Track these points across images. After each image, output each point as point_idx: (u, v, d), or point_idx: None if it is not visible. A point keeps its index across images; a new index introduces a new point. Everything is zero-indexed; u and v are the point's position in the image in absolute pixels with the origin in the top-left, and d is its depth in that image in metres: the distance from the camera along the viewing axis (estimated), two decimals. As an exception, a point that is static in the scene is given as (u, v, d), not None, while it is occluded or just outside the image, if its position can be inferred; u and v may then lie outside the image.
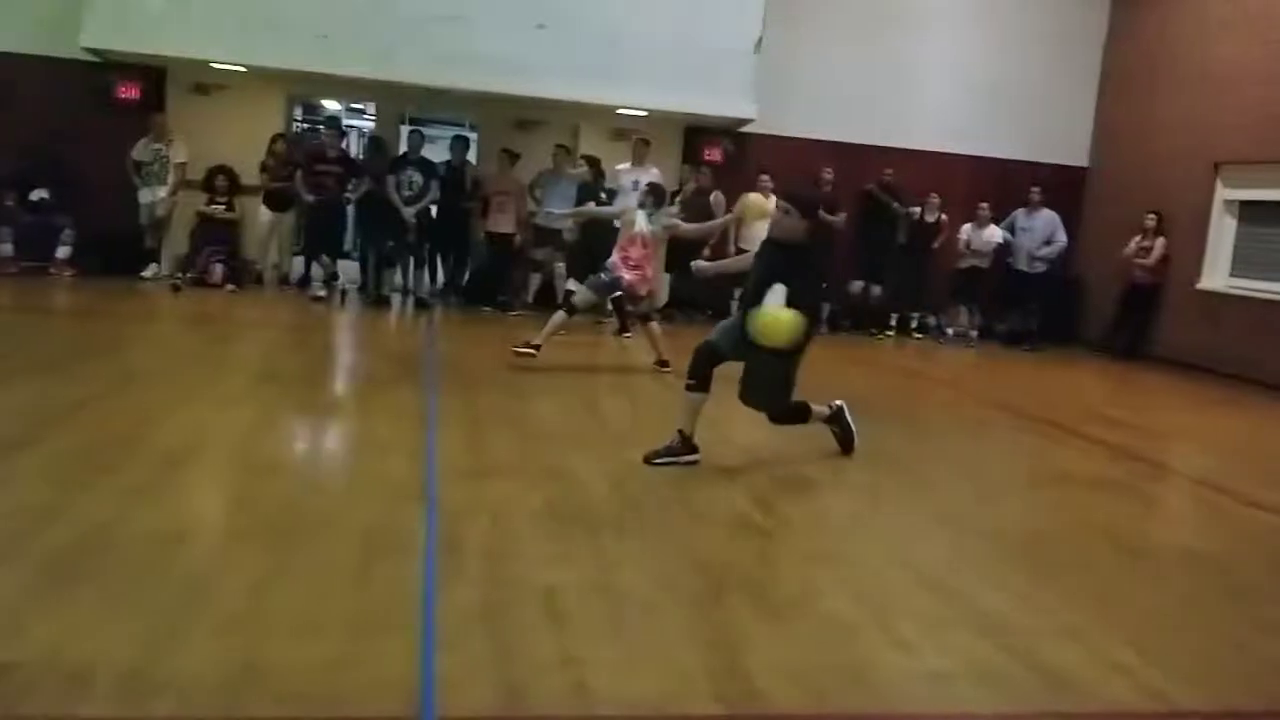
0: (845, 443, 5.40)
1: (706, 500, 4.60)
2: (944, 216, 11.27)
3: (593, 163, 8.71)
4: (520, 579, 3.39)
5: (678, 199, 9.80)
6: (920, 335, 11.69)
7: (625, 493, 4.58)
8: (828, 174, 11.06)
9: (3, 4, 9.92)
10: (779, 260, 4.83)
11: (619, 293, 7.54)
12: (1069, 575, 4.01)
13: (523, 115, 10.97)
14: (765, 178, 10.17)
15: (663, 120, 10.87)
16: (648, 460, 4.90)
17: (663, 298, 10.07)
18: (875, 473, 5.30)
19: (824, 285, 5.98)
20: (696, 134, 11.33)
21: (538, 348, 6.94)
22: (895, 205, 11.23)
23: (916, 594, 3.63)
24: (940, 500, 5.01)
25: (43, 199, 9.79)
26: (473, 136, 11.54)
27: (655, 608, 3.30)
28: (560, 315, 7.17)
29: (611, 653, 2.93)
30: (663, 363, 7.26)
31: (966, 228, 11.34)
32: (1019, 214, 11.50)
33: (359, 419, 5.69)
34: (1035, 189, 11.44)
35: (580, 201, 7.57)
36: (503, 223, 10.01)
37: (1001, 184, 11.67)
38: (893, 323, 11.57)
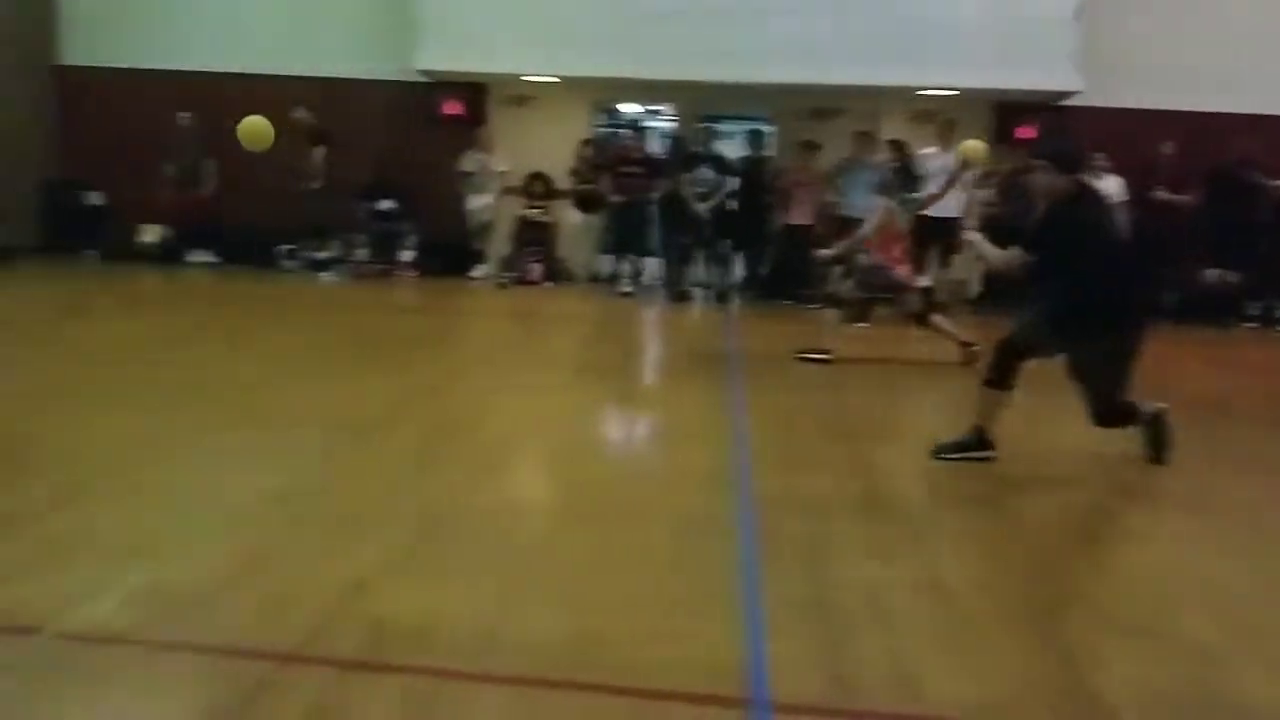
0: (1159, 449, 4.70)
1: (1028, 504, 4.30)
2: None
3: (899, 148, 8.37)
4: (840, 573, 3.34)
5: (990, 182, 9.26)
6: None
7: (939, 491, 4.39)
8: (1168, 148, 9.96)
9: (351, 36, 11.23)
10: (1049, 241, 4.41)
11: (887, 290, 7.10)
12: None
13: (819, 104, 10.84)
14: (1100, 156, 9.27)
15: (970, 99, 10.32)
16: (936, 454, 4.65)
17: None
18: (1240, 484, 4.71)
19: (1141, 266, 5.34)
20: (1008, 111, 10.63)
21: (828, 352, 6.81)
22: (1263, 180, 9.75)
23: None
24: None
25: (388, 208, 10.97)
26: (771, 129, 11.54)
27: (983, 612, 3.13)
28: (834, 313, 7.05)
29: (940, 654, 2.81)
30: (967, 349, 6.84)
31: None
32: None
33: (667, 409, 5.87)
34: None
35: (885, 190, 7.30)
36: (801, 215, 9.95)
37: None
38: (1254, 313, 10.12)
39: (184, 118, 10.71)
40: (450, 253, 10.91)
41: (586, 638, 2.81)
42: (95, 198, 11.44)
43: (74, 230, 11.23)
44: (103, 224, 11.35)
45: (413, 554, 3.38)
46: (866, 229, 6.92)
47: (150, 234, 11.16)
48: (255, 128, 5.66)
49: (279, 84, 10.90)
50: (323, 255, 10.86)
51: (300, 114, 10.41)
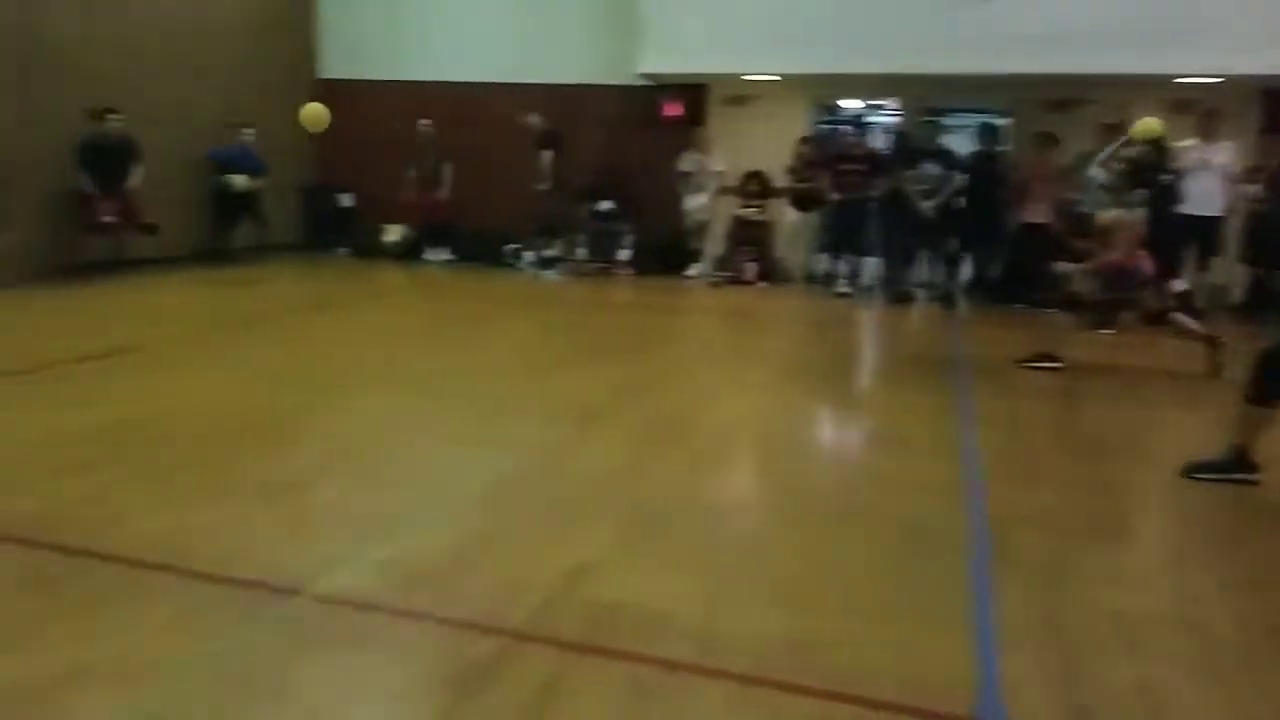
0: None
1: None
2: None
3: (1153, 141, 7.66)
4: (1079, 596, 3.11)
5: (1258, 177, 8.39)
6: None
7: (1191, 516, 4.02)
8: None
9: (580, 45, 11.62)
10: None
11: (1134, 289, 6.51)
12: None
13: (1059, 94, 10.18)
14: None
15: (1235, 85, 9.37)
16: (1189, 473, 4.23)
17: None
18: None
19: None
20: (1278, 100, 9.59)
21: (1058, 360, 6.36)
22: None
23: None
24: None
25: (607, 209, 11.28)
26: (1005, 123, 10.95)
27: (1244, 645, 2.83)
28: (1069, 318, 6.52)
29: (1197, 686, 2.56)
30: (1213, 350, 6.22)
31: None
32: None
33: (886, 414, 5.69)
34: None
35: (1137, 185, 6.72)
36: (1038, 212, 9.37)
37: None
38: None
39: (424, 125, 11.43)
40: (666, 252, 11.08)
41: (805, 639, 2.77)
42: (346, 200, 12.46)
43: (328, 229, 12.30)
44: (352, 224, 12.33)
45: (633, 543, 3.45)
46: (1118, 248, 6.40)
47: (392, 233, 12.01)
48: (314, 112, 6.64)
49: (512, 91, 11.46)
50: (546, 254, 11.30)
51: (531, 119, 10.88)
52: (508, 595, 2.97)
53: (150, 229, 9.67)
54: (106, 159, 9.31)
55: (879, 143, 10.92)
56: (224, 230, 10.84)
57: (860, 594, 3.10)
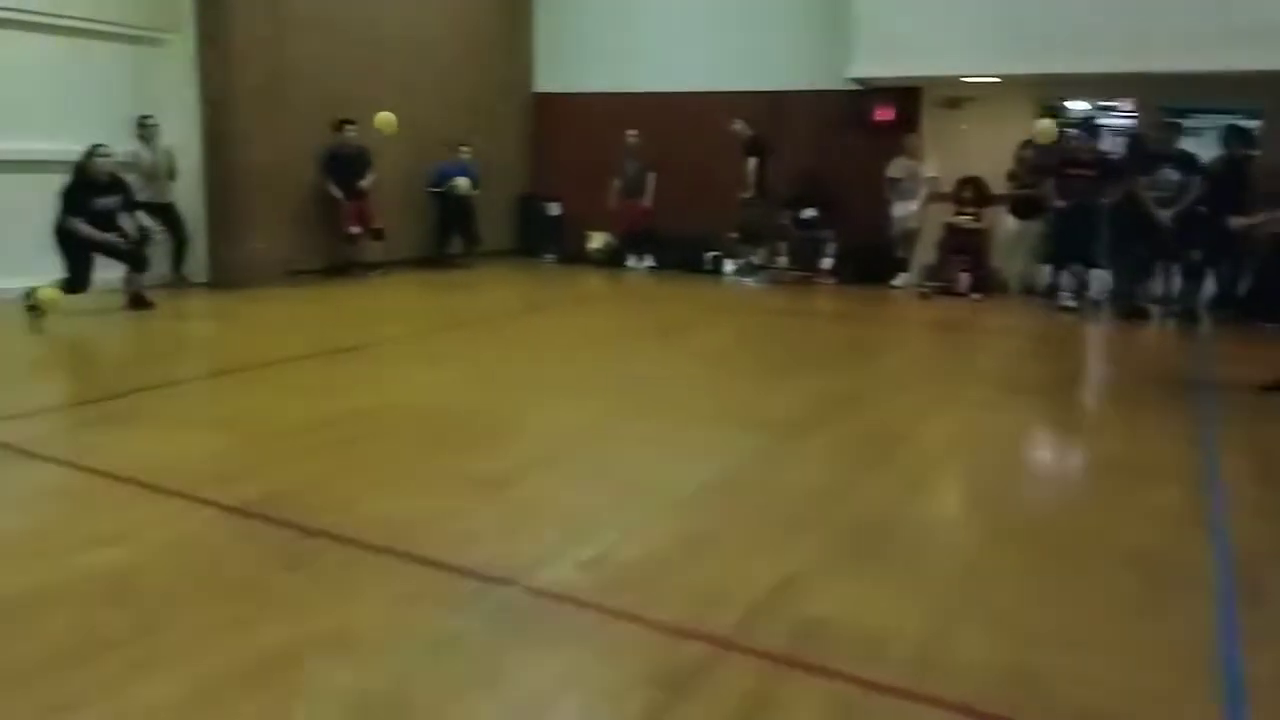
0: None
1: None
2: None
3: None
4: (1356, 645, 2.76)
5: None
6: None
7: None
8: None
9: (785, 49, 11.50)
10: None
11: None
12: None
13: (1324, 93, 9.17)
14: None
15: None
16: None
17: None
18: None
19: None
20: None
21: None
22: None
23: None
24: None
25: (811, 216, 11.09)
26: (1254, 124, 9.96)
27: None
28: None
29: None
30: None
31: None
32: None
33: (1117, 437, 5.27)
34: None
35: None
36: (1292, 223, 8.45)
37: None
38: None
39: (631, 135, 11.64)
40: (871, 261, 10.78)
41: (1028, 671, 2.60)
42: (554, 209, 12.89)
43: (537, 236, 12.77)
44: (559, 232, 12.74)
45: (843, 558, 3.34)
46: None
47: (596, 240, 12.32)
48: (385, 120, 7.78)
49: (718, 99, 11.50)
50: (748, 262, 11.25)
51: (737, 126, 10.87)
52: (712, 602, 2.94)
53: (379, 234, 10.38)
54: (346, 166, 10.08)
55: (1110, 146, 10.19)
56: (443, 238, 11.46)
57: (1089, 627, 2.88)
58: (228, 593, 2.94)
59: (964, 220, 10.27)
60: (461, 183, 11.20)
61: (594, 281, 11.26)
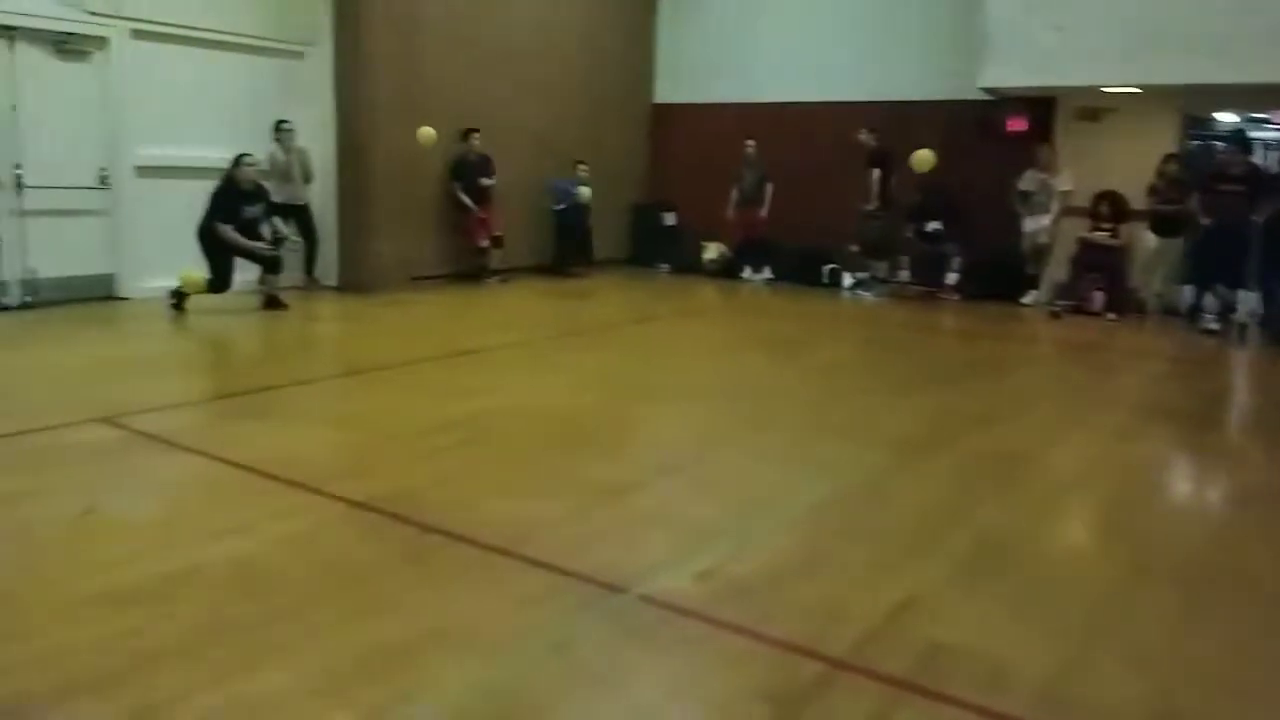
0: None
1: None
2: None
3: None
4: None
5: None
6: None
7: None
8: None
9: (912, 58, 11.26)
10: None
11: None
12: None
13: None
14: None
15: None
16: None
17: None
18: None
19: None
20: None
21: None
22: None
23: None
24: None
25: (935, 230, 10.79)
26: None
27: None
28: None
29: None
30: None
31: None
32: None
33: (1264, 468, 4.93)
34: None
35: None
36: None
37: None
38: None
39: (750, 145, 11.56)
40: (998, 277, 10.42)
41: (1170, 715, 2.43)
42: (669, 218, 12.92)
43: (651, 246, 12.82)
44: (674, 241, 12.76)
45: (967, 583, 3.21)
46: None
47: (711, 251, 12.28)
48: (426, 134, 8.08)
49: (842, 109, 11.34)
50: (868, 275, 11.03)
51: (863, 136, 10.68)
52: (828, 621, 2.87)
53: (498, 242, 10.62)
54: (471, 174, 10.35)
55: (1264, 161, 9.59)
56: (560, 252, 11.62)
57: (1238, 669, 2.69)
58: (349, 585, 3.02)
59: (1100, 236, 9.83)
60: (584, 191, 11.35)
61: (709, 292, 11.23)
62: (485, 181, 10.42)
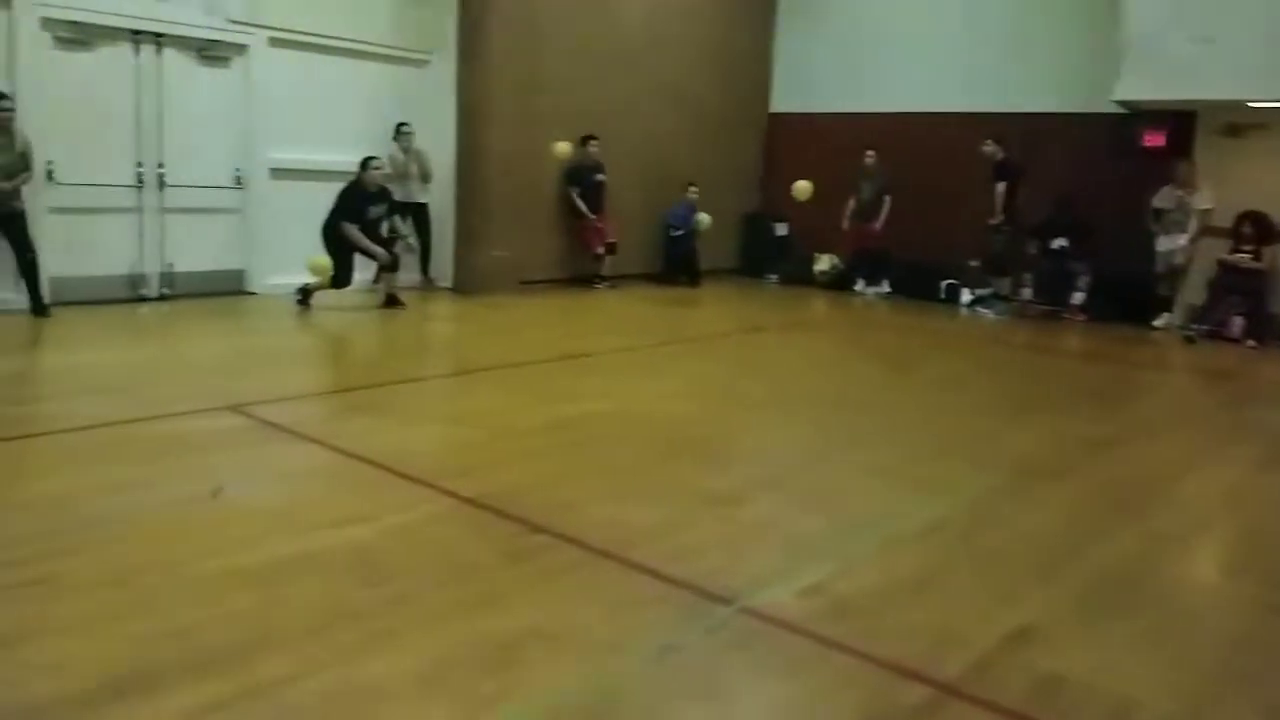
0: None
1: None
2: None
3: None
4: None
5: None
6: None
7: None
8: None
9: (1042, 70, 10.88)
10: None
11: None
12: None
13: None
14: None
15: None
16: None
17: None
18: None
19: None
20: None
21: None
22: None
23: None
24: None
25: (1061, 247, 10.38)
26: None
27: None
28: None
29: None
30: None
31: None
32: None
33: None
34: None
35: None
36: None
37: None
38: None
39: (870, 156, 11.36)
40: (1128, 298, 9.96)
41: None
42: (781, 229, 12.80)
43: (761, 256, 12.73)
44: (785, 252, 12.63)
45: (1085, 613, 3.06)
46: None
47: (822, 262, 12.10)
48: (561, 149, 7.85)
49: (965, 121, 11.05)
50: (987, 291, 10.71)
51: (988, 148, 10.38)
52: (939, 645, 2.78)
53: (612, 249, 10.71)
54: (587, 181, 10.49)
55: None
56: (669, 261, 11.65)
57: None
58: (458, 578, 3.07)
59: (1242, 258, 9.29)
60: (703, 219, 11.38)
61: (819, 304, 11.07)
62: (599, 177, 10.54)
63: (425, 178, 9.70)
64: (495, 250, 9.90)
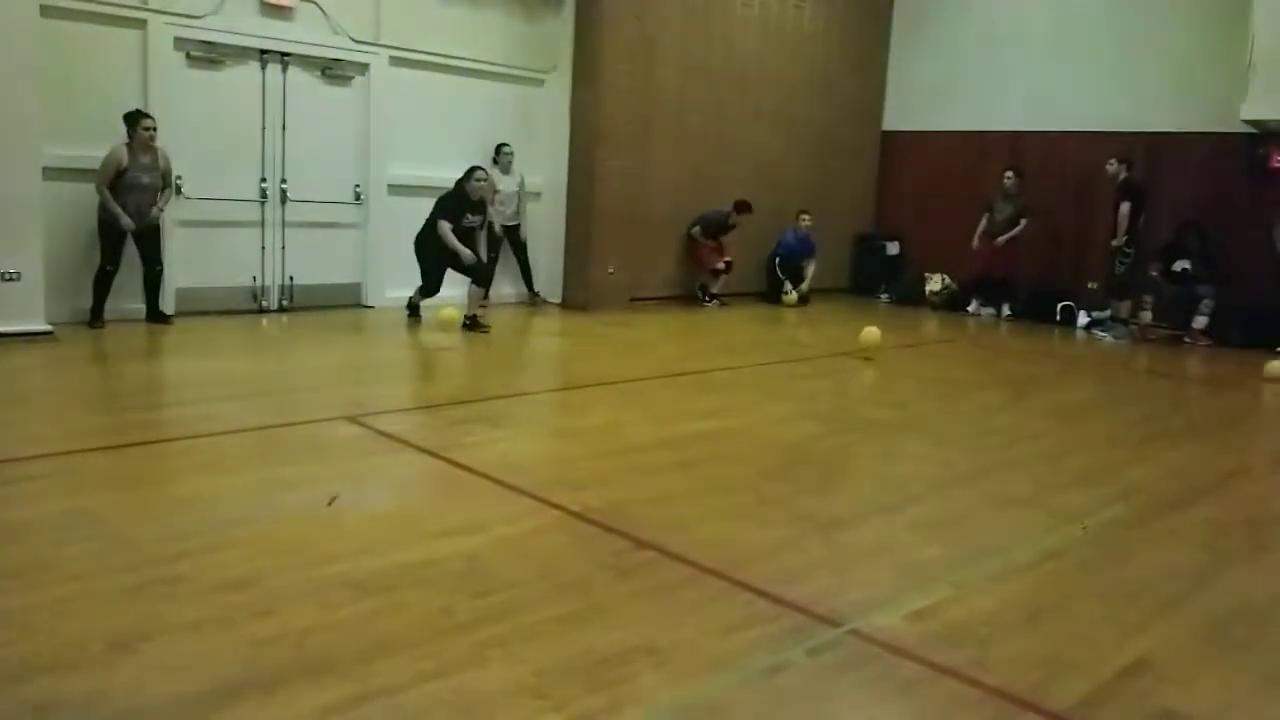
0: None
1: None
2: None
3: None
4: None
5: None
6: None
7: None
8: None
9: (1165, 89, 10.47)
10: None
11: None
12: None
13: None
14: None
15: None
16: None
17: None
18: None
19: None
20: None
21: None
22: None
23: None
24: None
25: (1185, 269, 9.94)
26: None
27: None
28: None
29: None
30: None
31: None
32: None
33: None
34: None
35: None
36: None
37: None
38: None
39: (1008, 176, 10.92)
40: (1257, 323, 9.50)
41: None
42: (893, 248, 12.61)
43: (873, 276, 12.55)
44: (897, 272, 12.43)
45: (1208, 649, 2.93)
46: None
47: (934, 282, 11.86)
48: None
49: (1087, 140, 10.74)
50: (1105, 314, 10.32)
51: (1112, 167, 10.04)
52: (1051, 674, 2.70)
53: (729, 267, 10.81)
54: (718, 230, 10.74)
55: None
56: (773, 280, 11.63)
57: None
58: (566, 591, 3.11)
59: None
60: (803, 288, 11.42)
61: (933, 325, 10.83)
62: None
63: (519, 203, 9.72)
64: (610, 268, 10.02)
